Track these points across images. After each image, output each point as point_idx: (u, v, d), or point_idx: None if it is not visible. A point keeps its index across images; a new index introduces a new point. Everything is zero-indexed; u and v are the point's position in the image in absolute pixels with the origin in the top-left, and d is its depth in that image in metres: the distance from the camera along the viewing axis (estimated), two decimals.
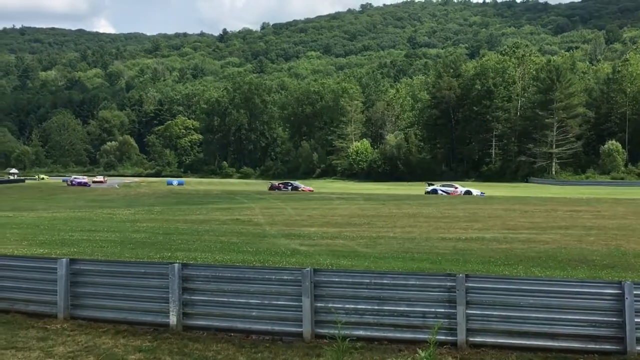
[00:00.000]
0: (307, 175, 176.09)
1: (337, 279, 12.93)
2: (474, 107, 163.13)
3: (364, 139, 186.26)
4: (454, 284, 12.08)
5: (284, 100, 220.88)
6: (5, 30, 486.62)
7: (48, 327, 14.14)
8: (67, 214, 51.97)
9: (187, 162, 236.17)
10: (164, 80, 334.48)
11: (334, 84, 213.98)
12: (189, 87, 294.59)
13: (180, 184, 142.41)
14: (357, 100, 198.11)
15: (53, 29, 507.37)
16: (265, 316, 13.12)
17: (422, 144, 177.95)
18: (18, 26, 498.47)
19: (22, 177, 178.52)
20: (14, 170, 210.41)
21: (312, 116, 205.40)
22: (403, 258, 24.16)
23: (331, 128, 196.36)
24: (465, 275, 12.21)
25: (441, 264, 22.29)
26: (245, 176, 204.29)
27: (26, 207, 63.86)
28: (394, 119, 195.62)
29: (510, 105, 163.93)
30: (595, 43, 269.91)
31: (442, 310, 12.16)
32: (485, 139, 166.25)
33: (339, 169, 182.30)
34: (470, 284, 12.06)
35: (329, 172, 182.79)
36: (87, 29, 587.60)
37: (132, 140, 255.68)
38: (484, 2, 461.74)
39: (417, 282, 12.40)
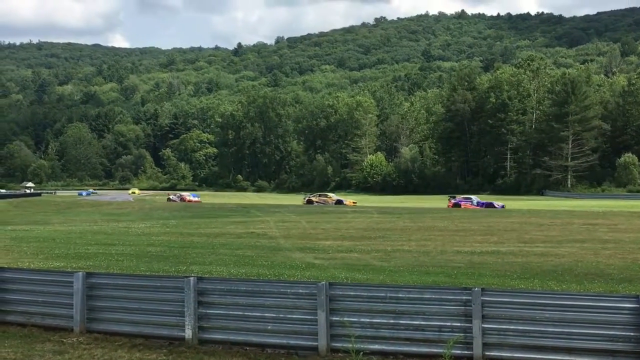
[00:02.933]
0: (322, 188, 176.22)
1: (352, 293, 12.89)
2: (489, 120, 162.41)
3: (379, 152, 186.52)
4: (469, 297, 12.02)
5: (298, 113, 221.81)
6: (22, 46, 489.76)
7: (64, 340, 14.18)
8: (83, 228, 52.11)
9: (202, 175, 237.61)
10: (179, 94, 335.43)
11: (348, 97, 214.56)
12: (203, 101, 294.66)
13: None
14: (372, 113, 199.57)
15: (69, 44, 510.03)
16: (280, 330, 13.10)
17: (436, 157, 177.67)
18: (35, 41, 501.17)
19: (38, 191, 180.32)
20: (30, 184, 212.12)
21: (326, 129, 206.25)
22: (418, 271, 24.11)
23: (345, 141, 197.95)
24: (481, 289, 12.15)
25: (457, 277, 22.22)
26: (260, 189, 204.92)
27: (42, 220, 64.08)
28: (408, 132, 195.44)
29: (525, 118, 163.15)
30: (610, 56, 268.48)
31: (458, 324, 12.09)
32: (500, 152, 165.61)
33: (353, 182, 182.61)
34: (486, 298, 12.00)
35: (343, 186, 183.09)
36: (103, 44, 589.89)
37: (147, 154, 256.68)
38: (498, 15, 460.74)
39: (433, 296, 12.35)
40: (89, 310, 14.86)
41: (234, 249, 33.63)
